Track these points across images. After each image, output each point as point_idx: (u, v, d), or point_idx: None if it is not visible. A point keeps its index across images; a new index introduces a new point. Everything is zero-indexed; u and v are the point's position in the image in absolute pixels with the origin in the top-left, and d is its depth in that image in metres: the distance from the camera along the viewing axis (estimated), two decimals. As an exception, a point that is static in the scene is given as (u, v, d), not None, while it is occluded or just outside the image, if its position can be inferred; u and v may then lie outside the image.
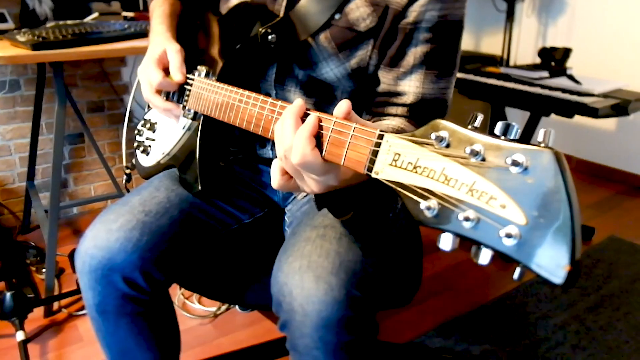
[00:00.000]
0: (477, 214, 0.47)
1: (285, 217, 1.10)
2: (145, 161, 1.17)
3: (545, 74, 2.30)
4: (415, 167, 0.53)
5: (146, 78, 0.99)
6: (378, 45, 0.91)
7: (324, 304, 0.76)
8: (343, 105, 0.65)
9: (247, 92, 0.82)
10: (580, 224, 0.43)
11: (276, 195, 1.14)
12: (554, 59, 2.42)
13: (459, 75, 2.43)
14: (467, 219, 0.47)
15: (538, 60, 2.55)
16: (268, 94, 1.01)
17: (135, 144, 1.20)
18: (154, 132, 1.15)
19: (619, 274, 2.07)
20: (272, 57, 0.97)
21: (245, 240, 1.12)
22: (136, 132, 1.20)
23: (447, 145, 0.51)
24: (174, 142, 1.07)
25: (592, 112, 1.93)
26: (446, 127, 0.52)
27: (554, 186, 0.43)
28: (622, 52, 2.85)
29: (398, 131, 0.86)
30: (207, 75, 0.97)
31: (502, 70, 2.43)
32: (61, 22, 1.85)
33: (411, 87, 0.91)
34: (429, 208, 0.50)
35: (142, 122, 1.19)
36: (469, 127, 0.51)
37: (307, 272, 0.79)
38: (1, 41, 1.67)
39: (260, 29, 0.91)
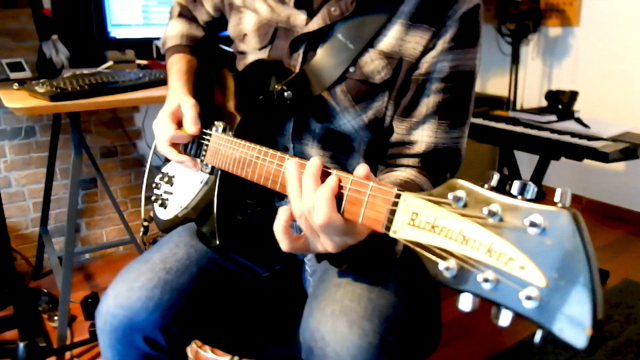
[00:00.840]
0: (496, 275, 0.47)
1: (306, 267, 1.10)
2: (163, 214, 1.18)
3: (553, 117, 2.32)
4: (433, 227, 0.53)
5: (160, 131, 1.01)
6: (394, 97, 0.93)
7: (358, 350, 0.75)
8: (361, 170, 0.66)
9: (263, 149, 0.83)
10: (600, 286, 0.43)
11: (294, 247, 1.14)
12: (560, 102, 2.45)
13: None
14: (486, 280, 0.47)
15: (545, 103, 2.58)
16: (286, 148, 1.02)
17: (153, 197, 1.21)
18: (171, 185, 1.16)
19: (637, 319, 2.04)
20: (289, 112, 0.98)
21: (264, 294, 1.12)
22: (154, 185, 1.22)
23: (465, 205, 0.51)
24: (191, 196, 1.08)
25: (602, 156, 1.94)
26: (463, 187, 0.52)
27: (572, 247, 0.43)
28: (628, 94, 2.88)
29: (407, 182, 0.87)
30: (224, 130, 0.99)
31: (511, 114, 2.45)
32: (78, 72, 1.90)
33: (424, 136, 0.92)
34: (447, 268, 0.50)
35: (160, 175, 1.20)
36: (486, 186, 0.51)
37: (340, 317, 0.78)
38: (20, 91, 1.70)
39: (276, 86, 0.92)
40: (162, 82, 1.84)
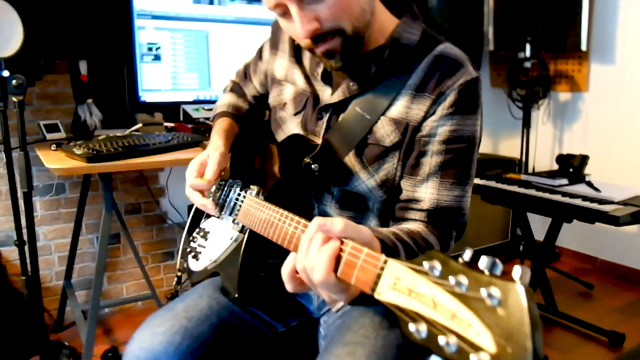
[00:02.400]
0: (456, 340, 0.53)
1: (321, 329, 1.16)
2: (195, 266, 1.25)
3: (565, 181, 2.39)
4: (410, 292, 0.60)
5: (187, 177, 1.12)
6: (401, 157, 1.02)
7: None
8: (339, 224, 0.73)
9: (286, 212, 0.91)
10: (543, 355, 0.49)
11: (311, 305, 1.20)
12: (571, 166, 2.51)
13: (482, 182, 2.53)
14: (447, 344, 0.53)
15: (556, 166, 2.65)
16: (312, 207, 1.12)
17: (188, 249, 1.29)
18: (206, 240, 1.23)
19: (653, 384, 2.02)
20: (317, 182, 1.08)
21: (280, 349, 1.17)
22: (190, 238, 1.29)
23: (440, 275, 0.58)
24: (221, 251, 1.16)
25: (613, 220, 1.99)
26: (439, 258, 0.58)
27: (520, 320, 0.49)
28: (637, 158, 2.94)
29: (414, 233, 0.94)
30: (257, 194, 1.08)
31: (523, 177, 2.52)
32: (111, 134, 2.01)
33: (427, 193, 1.01)
34: (417, 330, 0.56)
35: (197, 230, 1.28)
36: (460, 260, 0.57)
37: None
38: (57, 152, 1.81)
39: (305, 160, 1.03)
40: (189, 144, 1.95)
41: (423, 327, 0.56)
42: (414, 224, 1.00)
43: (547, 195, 2.27)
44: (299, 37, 0.95)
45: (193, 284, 1.22)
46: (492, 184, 2.47)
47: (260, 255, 1.11)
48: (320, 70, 1.11)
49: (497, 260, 0.54)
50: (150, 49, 2.22)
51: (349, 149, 1.03)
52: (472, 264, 0.56)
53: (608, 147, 3.05)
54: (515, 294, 0.50)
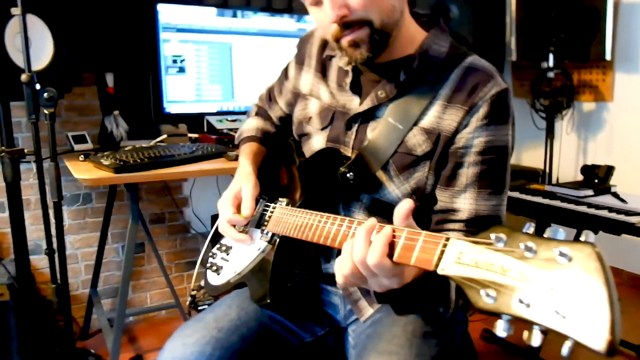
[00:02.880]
0: (529, 297, 0.55)
1: (350, 338, 1.16)
2: (216, 280, 1.27)
3: (590, 192, 2.36)
4: (476, 262, 0.62)
5: (222, 212, 1.14)
6: (433, 166, 1.04)
7: None
8: (405, 205, 0.77)
9: (326, 214, 0.94)
10: (618, 303, 0.51)
11: (338, 314, 1.21)
12: (596, 177, 2.48)
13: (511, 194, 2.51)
14: (521, 301, 0.55)
15: (580, 177, 2.62)
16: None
17: (208, 265, 1.30)
18: (227, 254, 1.25)
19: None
20: (351, 191, 1.10)
21: (321, 356, 1.18)
22: (210, 254, 1.31)
23: (504, 244, 0.60)
24: (247, 263, 1.18)
25: (639, 232, 1.96)
26: (504, 230, 0.61)
27: (594, 270, 0.52)
28: (665, 168, 2.90)
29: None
30: (287, 205, 1.10)
31: (547, 188, 2.49)
32: (137, 145, 2.05)
33: (466, 204, 1.02)
34: (487, 295, 0.58)
35: (218, 245, 1.30)
36: (523, 231, 0.60)
37: None
38: (85, 163, 1.86)
39: (340, 169, 1.06)
40: (213, 155, 1.98)
41: (492, 293, 0.58)
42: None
43: (571, 206, 2.24)
44: (327, 23, 0.98)
45: (215, 298, 1.25)
46: (516, 194, 2.45)
47: (287, 266, 1.13)
48: (349, 80, 1.13)
49: (560, 229, 0.57)
50: (175, 61, 2.27)
51: (384, 159, 1.05)
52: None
53: (634, 158, 3.01)
54: (586, 250, 0.53)
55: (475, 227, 1.02)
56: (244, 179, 1.17)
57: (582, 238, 0.55)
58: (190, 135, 2.37)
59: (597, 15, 2.86)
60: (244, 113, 2.36)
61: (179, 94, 2.30)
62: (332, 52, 1.18)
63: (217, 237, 1.32)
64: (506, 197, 1.05)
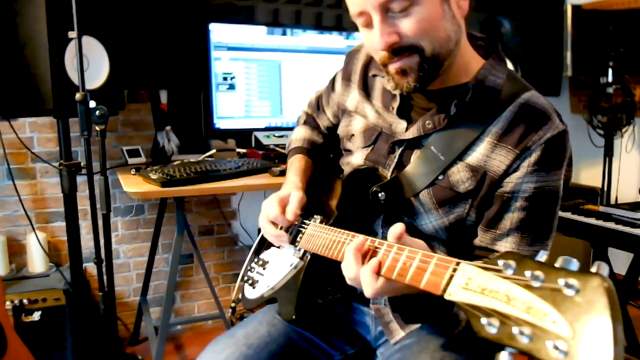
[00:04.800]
0: (531, 329, 0.54)
1: (379, 358, 1.16)
2: (251, 294, 1.29)
3: (648, 214, 2.24)
4: (483, 290, 0.61)
5: (267, 209, 1.15)
6: (476, 205, 1.00)
7: None
8: (397, 229, 0.81)
9: (352, 233, 0.95)
10: (624, 341, 0.49)
11: (368, 334, 1.20)
12: (657, 198, 2.36)
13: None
14: (522, 333, 0.54)
15: (640, 198, 2.50)
16: (375, 233, 1.11)
17: (246, 278, 1.33)
18: (264, 269, 1.28)
19: None
20: (381, 211, 1.08)
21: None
22: (249, 268, 1.34)
23: (514, 272, 0.59)
24: (279, 278, 1.20)
25: (700, 258, 1.85)
26: (514, 257, 0.60)
27: (600, 305, 0.50)
28: None
29: None
30: (321, 222, 1.11)
31: (602, 209, 2.39)
32: (185, 160, 2.13)
33: (507, 248, 0.98)
34: (490, 324, 0.57)
35: (256, 260, 1.32)
36: (535, 259, 0.59)
37: None
38: (136, 177, 1.94)
39: (373, 188, 1.04)
40: (258, 170, 2.02)
41: (495, 322, 0.57)
42: None
43: (627, 229, 2.14)
44: (376, 48, 0.95)
45: (251, 311, 1.27)
46: (568, 215, 2.36)
47: (319, 282, 1.14)
48: (396, 104, 1.09)
49: (574, 260, 0.55)
50: (225, 79, 2.34)
51: (420, 187, 1.02)
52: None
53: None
54: (593, 282, 0.51)
55: None
56: (294, 188, 1.17)
57: (593, 269, 0.53)
58: (238, 150, 2.42)
59: (659, 28, 2.73)
60: (291, 129, 2.38)
61: (229, 110, 2.36)
62: (377, 72, 1.14)
63: (260, 250, 1.35)
64: (551, 241, 1.00)
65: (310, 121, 1.41)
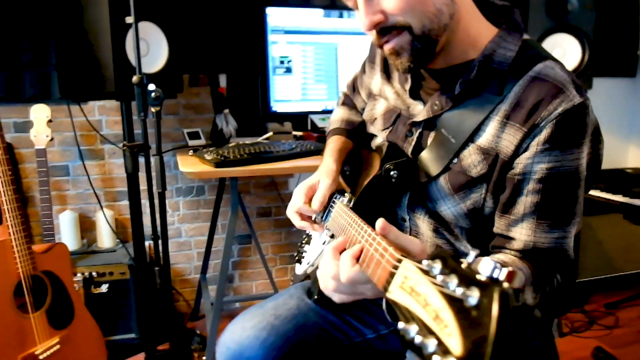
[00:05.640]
0: (434, 341, 0.51)
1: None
2: (298, 270, 1.33)
3: None
4: (412, 291, 0.58)
5: (293, 199, 1.16)
6: (491, 190, 0.94)
7: None
8: (379, 222, 0.75)
9: (359, 221, 0.88)
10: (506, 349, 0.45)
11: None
12: None
13: (624, 199, 2.30)
14: (424, 344, 0.51)
15: None
16: (404, 219, 1.09)
17: (296, 255, 1.36)
18: (308, 245, 1.30)
19: None
20: (394, 191, 1.05)
21: (368, 357, 1.18)
22: (299, 245, 1.37)
23: (437, 273, 0.55)
24: (316, 255, 1.21)
25: None
26: (441, 256, 0.56)
27: (487, 325, 0.46)
28: None
29: (504, 264, 0.88)
30: (349, 201, 1.10)
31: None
32: (240, 142, 2.18)
33: (522, 234, 0.92)
34: (405, 329, 0.55)
35: (304, 236, 1.35)
36: (463, 260, 0.54)
37: None
38: (193, 157, 2.01)
39: (386, 165, 1.01)
40: (312, 152, 2.04)
41: (412, 327, 0.55)
42: (506, 256, 0.93)
43: None
44: (364, 30, 0.93)
45: None
46: (637, 202, 2.23)
47: None
48: (408, 86, 1.07)
49: (497, 264, 0.50)
50: (282, 62, 2.36)
51: (433, 172, 0.99)
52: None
53: None
54: (490, 296, 0.47)
55: (534, 259, 0.91)
56: (324, 174, 1.15)
57: (494, 274, 0.49)
58: (294, 133, 2.45)
59: None
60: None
61: (286, 94, 2.39)
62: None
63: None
64: (575, 228, 0.93)
65: (348, 102, 1.41)
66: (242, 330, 1.09)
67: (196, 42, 2.27)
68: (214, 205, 2.52)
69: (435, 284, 0.54)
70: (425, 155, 1.01)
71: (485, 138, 0.93)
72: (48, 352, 1.66)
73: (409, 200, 1.07)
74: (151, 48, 1.92)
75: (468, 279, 0.50)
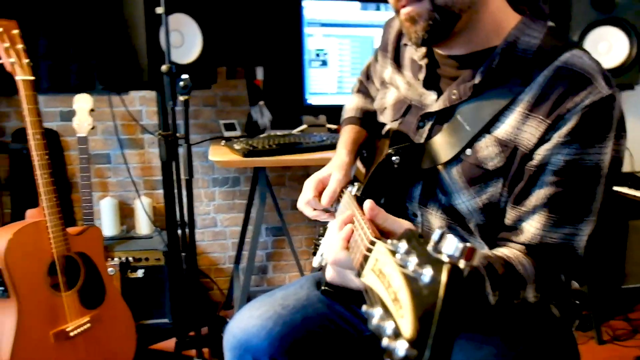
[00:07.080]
0: (391, 323, 0.49)
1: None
2: (314, 262, 1.32)
3: None
4: (380, 273, 0.56)
5: (304, 191, 1.14)
6: (508, 184, 0.90)
7: None
8: (367, 204, 0.75)
9: (358, 212, 0.84)
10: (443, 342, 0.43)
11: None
12: None
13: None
14: (382, 327, 0.49)
15: None
16: (415, 215, 1.06)
17: (313, 248, 1.36)
18: (323, 237, 1.30)
19: None
20: (397, 178, 1.02)
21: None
22: (317, 237, 1.36)
23: (404, 252, 0.53)
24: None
25: None
26: (406, 236, 0.54)
27: (434, 303, 0.44)
28: None
29: (500, 258, 0.85)
30: (358, 190, 1.08)
31: None
32: (272, 133, 2.20)
33: (531, 227, 0.88)
34: (367, 312, 0.53)
35: (322, 228, 1.35)
36: (430, 239, 0.51)
37: None
38: (224, 147, 2.04)
39: (388, 150, 0.98)
40: (342, 145, 2.03)
41: (375, 310, 0.53)
42: (509, 250, 0.90)
43: None
44: None
45: None
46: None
47: None
48: (422, 75, 1.04)
49: (459, 242, 0.47)
50: (318, 55, 2.37)
51: (441, 159, 0.95)
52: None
53: None
54: (440, 272, 0.45)
55: (540, 255, 0.87)
56: (336, 167, 1.14)
57: (443, 249, 0.48)
58: (329, 126, 2.45)
59: None
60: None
61: (321, 86, 2.39)
62: (407, 40, 1.08)
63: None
64: (589, 226, 0.88)
65: (362, 89, 1.38)
66: (249, 319, 1.08)
67: (232, 34, 2.31)
68: (248, 196, 2.55)
69: (398, 264, 0.53)
70: (436, 139, 0.97)
71: (503, 129, 0.89)
72: (78, 330, 1.73)
73: (421, 194, 1.03)
74: (186, 39, 1.96)
75: (429, 257, 0.48)
